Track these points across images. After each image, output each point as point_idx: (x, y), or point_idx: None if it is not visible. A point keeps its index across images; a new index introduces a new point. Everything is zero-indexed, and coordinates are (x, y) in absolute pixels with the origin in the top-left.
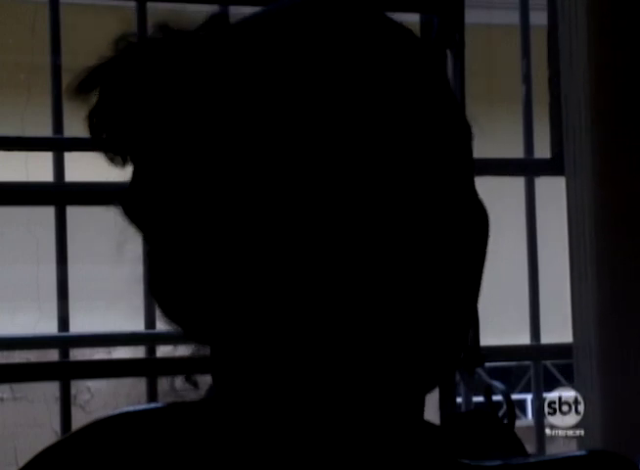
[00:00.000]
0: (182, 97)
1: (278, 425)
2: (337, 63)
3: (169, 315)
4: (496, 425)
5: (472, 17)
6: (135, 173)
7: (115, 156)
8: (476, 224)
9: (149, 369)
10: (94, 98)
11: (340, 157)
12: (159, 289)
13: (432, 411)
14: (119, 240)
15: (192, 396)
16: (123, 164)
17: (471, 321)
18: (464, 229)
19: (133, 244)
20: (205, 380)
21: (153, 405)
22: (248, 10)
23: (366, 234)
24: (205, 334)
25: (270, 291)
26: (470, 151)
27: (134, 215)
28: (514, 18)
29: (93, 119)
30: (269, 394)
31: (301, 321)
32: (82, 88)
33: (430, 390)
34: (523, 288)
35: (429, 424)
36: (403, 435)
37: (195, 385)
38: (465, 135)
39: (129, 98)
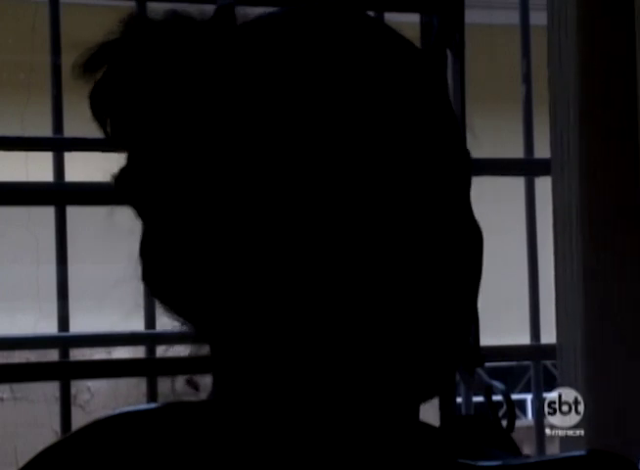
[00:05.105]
0: (185, 86)
1: (277, 425)
2: (337, 68)
3: (164, 302)
4: (493, 429)
5: (472, 17)
6: (133, 155)
7: (115, 138)
8: (471, 235)
9: (149, 369)
10: (98, 75)
11: (339, 156)
12: (153, 281)
13: (432, 411)
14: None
15: (192, 397)
16: (121, 146)
17: (468, 332)
18: (459, 239)
19: (133, 244)
20: (207, 382)
21: (152, 405)
22: (248, 10)
23: (365, 238)
24: (203, 331)
25: (268, 290)
26: (467, 158)
27: (130, 197)
28: (514, 18)
29: (96, 97)
30: (269, 394)
31: (299, 321)
32: (89, 66)
33: (428, 398)
34: (522, 288)
35: (425, 425)
36: (401, 435)
37: (196, 388)
38: (459, 141)
39: (135, 79)
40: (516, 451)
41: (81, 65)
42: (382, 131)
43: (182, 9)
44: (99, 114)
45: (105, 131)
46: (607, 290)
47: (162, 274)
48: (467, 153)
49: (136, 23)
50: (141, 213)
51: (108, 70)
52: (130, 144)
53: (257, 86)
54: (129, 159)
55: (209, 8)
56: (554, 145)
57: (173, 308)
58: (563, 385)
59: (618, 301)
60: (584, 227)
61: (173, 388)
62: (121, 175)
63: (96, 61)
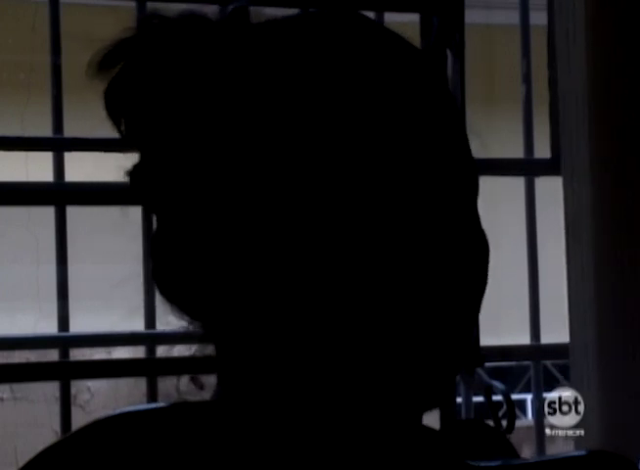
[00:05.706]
0: (201, 85)
1: (281, 427)
2: (342, 72)
3: (172, 300)
4: (491, 433)
5: (471, 17)
6: (148, 153)
7: (129, 136)
8: (476, 243)
9: (149, 369)
10: (113, 73)
11: (343, 158)
12: (162, 278)
13: (432, 412)
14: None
15: (196, 396)
16: (135, 145)
17: (470, 338)
18: (465, 248)
19: (133, 244)
20: (212, 381)
21: (153, 405)
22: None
23: (369, 245)
24: (210, 330)
25: (276, 293)
26: (469, 159)
27: (143, 195)
28: (514, 18)
29: (111, 95)
30: (274, 397)
31: (305, 324)
32: (105, 63)
33: (431, 405)
34: (523, 288)
35: (426, 428)
36: (403, 437)
37: (200, 387)
38: (463, 140)
39: (151, 78)
40: (514, 455)
41: (97, 62)
42: (384, 135)
43: (197, 9)
44: (113, 112)
45: (119, 130)
46: (619, 291)
47: (173, 272)
48: (471, 155)
49: (153, 21)
50: (154, 211)
51: (123, 68)
52: (144, 142)
53: (272, 87)
54: (143, 157)
55: (207, 9)
56: (564, 147)
57: (181, 307)
58: (574, 385)
59: (631, 301)
60: (596, 228)
61: (177, 387)
62: (135, 173)
63: (112, 58)
